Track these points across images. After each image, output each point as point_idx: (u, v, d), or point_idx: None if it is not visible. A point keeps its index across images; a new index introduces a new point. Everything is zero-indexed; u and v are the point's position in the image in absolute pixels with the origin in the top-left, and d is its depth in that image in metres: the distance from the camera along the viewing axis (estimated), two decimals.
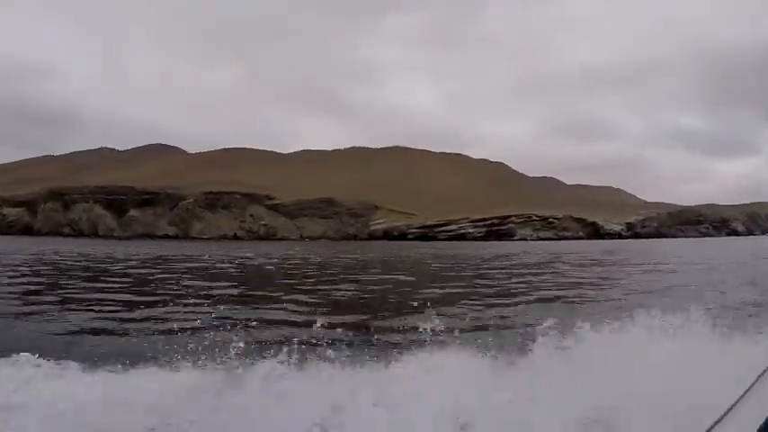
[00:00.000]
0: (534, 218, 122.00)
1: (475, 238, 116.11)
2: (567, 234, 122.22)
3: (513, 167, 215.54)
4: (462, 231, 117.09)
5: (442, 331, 6.04)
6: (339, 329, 6.80)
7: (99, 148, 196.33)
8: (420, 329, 6.21)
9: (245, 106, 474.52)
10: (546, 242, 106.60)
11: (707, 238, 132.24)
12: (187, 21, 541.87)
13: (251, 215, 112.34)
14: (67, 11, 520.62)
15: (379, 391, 4.60)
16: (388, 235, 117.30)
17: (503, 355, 5.47)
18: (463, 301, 13.29)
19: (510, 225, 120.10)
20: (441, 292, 16.51)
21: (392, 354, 5.82)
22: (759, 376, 1.90)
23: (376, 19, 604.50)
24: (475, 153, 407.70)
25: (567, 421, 4.15)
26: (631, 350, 5.23)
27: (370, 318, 11.30)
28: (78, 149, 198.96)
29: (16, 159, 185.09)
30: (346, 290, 16.92)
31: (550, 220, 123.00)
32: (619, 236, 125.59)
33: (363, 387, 4.65)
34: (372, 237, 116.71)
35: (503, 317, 11.12)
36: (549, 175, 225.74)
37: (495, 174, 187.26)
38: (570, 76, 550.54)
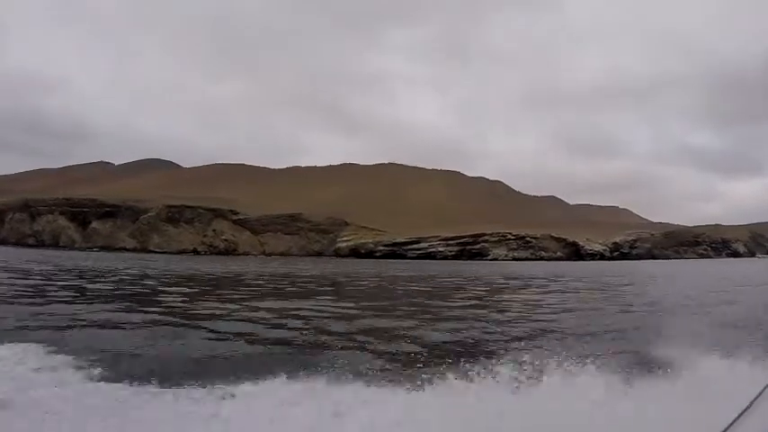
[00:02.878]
0: (510, 236, 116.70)
1: (445, 258, 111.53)
2: (544, 254, 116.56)
3: (515, 186, 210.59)
4: (432, 250, 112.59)
5: None
6: None
7: (96, 162, 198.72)
8: None
9: (249, 121, 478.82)
10: (519, 262, 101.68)
11: (704, 260, 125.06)
12: (196, 37, 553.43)
13: (213, 230, 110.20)
14: (77, 27, 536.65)
15: None
16: (355, 252, 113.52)
17: None
18: None
19: (483, 244, 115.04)
20: None
21: None
22: (759, 394, 1.91)
23: (381, 33, 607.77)
24: (479, 170, 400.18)
25: None
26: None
27: None
28: (80, 163, 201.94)
29: (18, 171, 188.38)
30: None
31: (527, 239, 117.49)
32: (601, 257, 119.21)
33: None
34: (338, 254, 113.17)
35: None
36: (552, 195, 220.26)
37: (490, 192, 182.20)
38: (577, 92, 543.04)
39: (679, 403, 4.59)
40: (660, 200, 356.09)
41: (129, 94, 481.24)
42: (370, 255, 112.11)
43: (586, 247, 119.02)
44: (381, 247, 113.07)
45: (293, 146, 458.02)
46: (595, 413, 4.82)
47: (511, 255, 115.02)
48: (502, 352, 8.69)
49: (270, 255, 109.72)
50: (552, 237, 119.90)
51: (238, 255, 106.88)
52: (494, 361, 7.10)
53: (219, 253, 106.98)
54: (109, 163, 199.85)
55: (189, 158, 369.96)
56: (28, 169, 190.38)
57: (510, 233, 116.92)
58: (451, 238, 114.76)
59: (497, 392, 5.87)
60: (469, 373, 6.44)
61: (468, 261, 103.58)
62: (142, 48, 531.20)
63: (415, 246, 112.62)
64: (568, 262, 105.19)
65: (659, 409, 4.49)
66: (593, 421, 4.71)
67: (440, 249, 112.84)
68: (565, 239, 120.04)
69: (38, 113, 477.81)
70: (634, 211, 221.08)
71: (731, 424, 1.66)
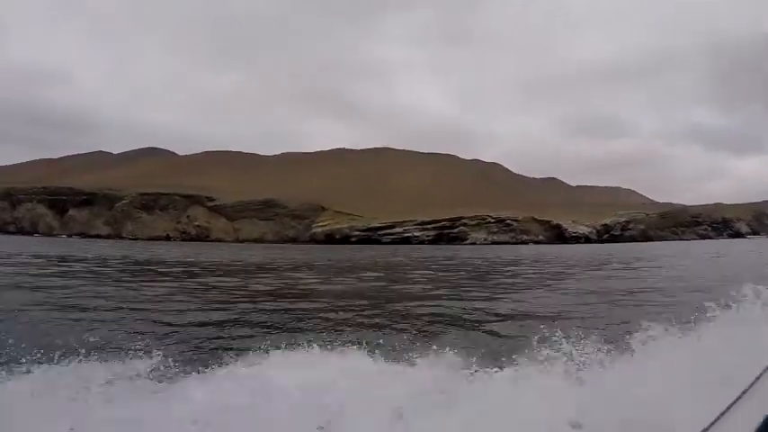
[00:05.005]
0: (489, 219, 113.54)
1: (422, 243, 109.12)
2: (526, 238, 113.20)
3: (514, 169, 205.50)
4: (407, 235, 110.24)
5: None
6: None
7: (93, 152, 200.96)
8: None
9: (249, 113, 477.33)
10: (499, 246, 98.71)
11: (704, 241, 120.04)
12: (196, 31, 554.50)
13: (188, 216, 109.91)
14: (76, 27, 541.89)
15: None
16: (330, 238, 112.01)
17: None
18: None
19: (461, 228, 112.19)
20: None
21: None
22: (758, 377, 1.89)
23: (379, 22, 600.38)
24: (479, 154, 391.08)
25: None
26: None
27: None
28: (78, 152, 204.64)
29: (19, 161, 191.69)
30: None
31: (508, 222, 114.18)
32: (586, 240, 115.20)
33: None
34: (314, 239, 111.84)
35: None
36: (553, 177, 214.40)
37: (484, 175, 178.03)
38: (579, 73, 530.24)
39: (679, 382, 4.44)
40: (666, 179, 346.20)
41: (130, 92, 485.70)
42: (345, 240, 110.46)
43: (570, 229, 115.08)
44: (356, 233, 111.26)
45: (293, 135, 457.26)
46: (588, 390, 4.69)
47: (491, 238, 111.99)
48: None
49: (243, 241, 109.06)
50: (535, 219, 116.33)
51: (210, 241, 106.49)
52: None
53: (191, 239, 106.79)
54: (107, 153, 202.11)
55: (187, 147, 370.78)
56: (31, 159, 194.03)
57: (490, 216, 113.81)
58: (428, 223, 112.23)
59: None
60: None
61: (446, 246, 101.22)
62: (142, 47, 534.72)
63: (390, 231, 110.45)
64: (550, 245, 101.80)
65: (648, 397, 4.33)
66: (586, 396, 4.53)
67: (416, 234, 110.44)
68: (548, 222, 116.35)
69: (40, 107, 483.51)
70: (640, 192, 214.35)
71: (731, 405, 1.65)
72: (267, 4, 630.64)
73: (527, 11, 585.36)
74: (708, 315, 6.23)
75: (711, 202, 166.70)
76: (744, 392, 1.72)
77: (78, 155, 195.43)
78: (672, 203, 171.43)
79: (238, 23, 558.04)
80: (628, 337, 5.97)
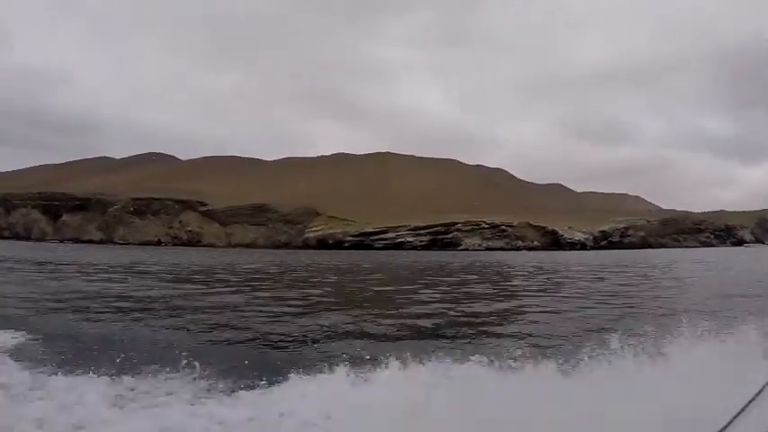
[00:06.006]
0: (484, 225, 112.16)
1: (415, 248, 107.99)
2: (521, 244, 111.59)
3: (518, 174, 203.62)
4: (400, 240, 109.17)
5: None
6: None
7: (95, 158, 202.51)
8: None
9: (250, 115, 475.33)
10: (491, 252, 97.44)
11: (706, 249, 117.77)
12: (196, 32, 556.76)
13: (180, 221, 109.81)
14: (79, 20, 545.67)
15: None
16: (322, 243, 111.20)
17: None
18: None
19: (455, 233, 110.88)
20: None
21: None
22: (764, 386, 1.86)
23: (379, 21, 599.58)
24: (483, 159, 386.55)
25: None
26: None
27: None
28: (79, 157, 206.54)
29: (20, 165, 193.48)
30: None
31: (502, 227, 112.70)
32: (582, 246, 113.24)
33: None
34: (306, 245, 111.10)
35: None
36: (558, 183, 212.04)
37: (487, 181, 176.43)
38: (580, 75, 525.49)
39: (678, 399, 4.45)
40: (674, 186, 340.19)
41: (130, 92, 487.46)
42: (338, 246, 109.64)
43: (566, 235, 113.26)
44: (349, 238, 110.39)
45: (294, 137, 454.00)
46: (589, 408, 4.63)
47: (485, 244, 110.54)
48: None
49: (235, 246, 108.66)
50: (530, 225, 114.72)
51: (202, 246, 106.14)
52: None
53: (183, 244, 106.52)
54: (109, 158, 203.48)
55: (189, 151, 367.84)
56: (33, 164, 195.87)
57: (484, 221, 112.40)
58: (422, 228, 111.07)
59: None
60: None
61: (440, 251, 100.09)
62: (142, 47, 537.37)
63: (383, 236, 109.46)
64: (547, 252, 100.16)
65: (657, 404, 4.39)
66: (587, 415, 4.50)
67: (409, 239, 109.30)
68: (544, 228, 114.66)
69: (40, 108, 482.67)
70: (647, 198, 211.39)
71: (731, 421, 1.61)
72: (267, 4, 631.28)
73: (527, 11, 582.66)
74: None
75: (718, 209, 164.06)
76: (749, 402, 1.65)
77: (81, 160, 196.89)
78: (678, 210, 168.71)
79: (238, 23, 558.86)
80: None
